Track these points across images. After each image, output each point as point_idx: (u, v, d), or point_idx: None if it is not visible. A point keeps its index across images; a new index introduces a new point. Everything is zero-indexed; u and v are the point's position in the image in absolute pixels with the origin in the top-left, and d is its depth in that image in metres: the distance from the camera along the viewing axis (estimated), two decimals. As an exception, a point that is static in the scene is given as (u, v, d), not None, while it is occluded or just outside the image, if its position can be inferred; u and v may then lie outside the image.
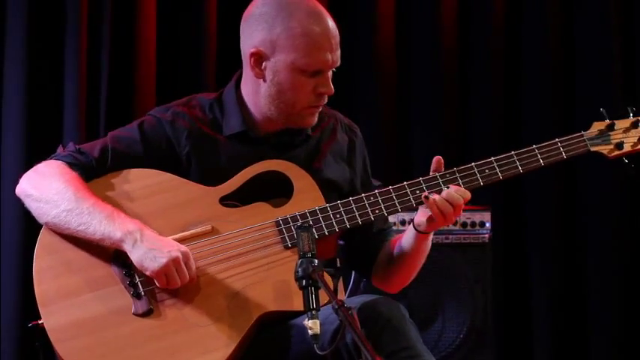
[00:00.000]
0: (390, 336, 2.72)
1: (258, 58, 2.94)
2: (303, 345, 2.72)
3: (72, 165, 2.96)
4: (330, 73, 2.95)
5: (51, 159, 3.00)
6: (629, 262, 4.93)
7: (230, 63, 4.78)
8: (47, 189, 2.90)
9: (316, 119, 3.02)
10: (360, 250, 3.09)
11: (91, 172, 2.97)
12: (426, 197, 2.88)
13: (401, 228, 4.29)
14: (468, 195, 2.91)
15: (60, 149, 3.04)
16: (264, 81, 2.95)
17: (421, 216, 2.93)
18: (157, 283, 2.83)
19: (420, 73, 5.10)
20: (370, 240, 3.09)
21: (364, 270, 3.12)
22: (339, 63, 2.96)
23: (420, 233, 2.96)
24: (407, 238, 3.00)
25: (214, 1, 4.83)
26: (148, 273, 2.82)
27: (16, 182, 3.01)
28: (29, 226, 4.07)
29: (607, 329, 4.89)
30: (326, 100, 2.99)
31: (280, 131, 3.02)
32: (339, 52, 2.95)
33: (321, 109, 3.04)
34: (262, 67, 2.94)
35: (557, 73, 5.04)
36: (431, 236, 3.00)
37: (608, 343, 4.88)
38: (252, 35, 2.95)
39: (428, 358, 2.75)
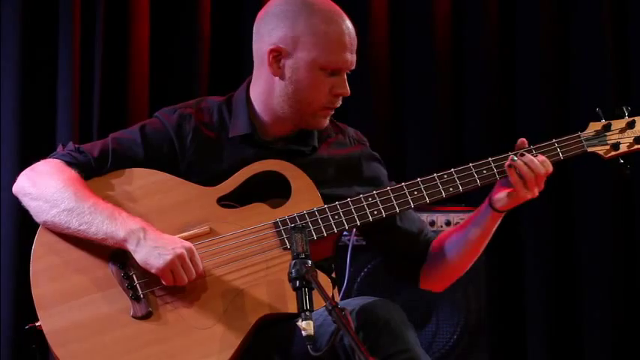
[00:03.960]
0: (388, 338, 2.71)
1: (278, 55, 2.93)
2: (302, 345, 2.67)
3: (71, 164, 2.94)
4: (345, 75, 2.96)
5: (49, 157, 2.98)
6: (625, 263, 4.92)
7: (224, 66, 4.86)
8: (46, 187, 2.88)
9: (327, 122, 3.01)
10: (405, 256, 3.06)
11: (90, 171, 2.95)
12: (510, 165, 2.87)
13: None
14: (549, 168, 2.91)
15: (59, 148, 3.02)
16: (282, 79, 2.95)
17: (499, 191, 2.92)
18: (163, 282, 2.81)
19: (414, 74, 5.09)
20: (415, 242, 3.06)
21: (411, 274, 3.07)
22: (354, 66, 2.97)
23: (496, 212, 2.94)
24: (478, 219, 2.97)
25: (208, 3, 4.83)
26: (153, 271, 2.80)
27: (11, 184, 2.99)
28: (25, 226, 4.08)
29: (603, 331, 4.88)
30: (340, 103, 2.98)
31: (288, 137, 3.01)
32: (355, 56, 2.96)
33: (329, 125, 3.05)
34: (281, 64, 2.94)
35: (551, 75, 5.03)
36: (501, 217, 2.97)
37: (604, 345, 4.88)
38: (270, 33, 2.94)
39: (425, 361, 2.75)
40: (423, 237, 3.08)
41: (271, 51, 2.93)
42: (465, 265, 3.07)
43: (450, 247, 3.03)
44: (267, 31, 2.95)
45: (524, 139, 2.96)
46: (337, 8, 2.98)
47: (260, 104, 3.00)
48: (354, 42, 2.96)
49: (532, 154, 2.91)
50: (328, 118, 3.02)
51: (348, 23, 2.96)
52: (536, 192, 2.92)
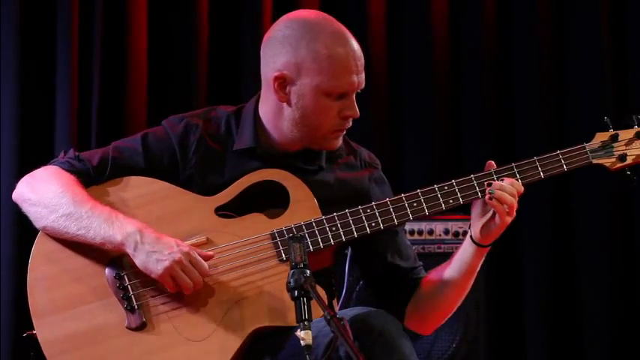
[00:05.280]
0: (382, 349, 2.70)
1: (283, 81, 2.89)
2: (298, 356, 2.65)
3: (69, 171, 2.93)
4: (354, 96, 2.92)
5: (49, 164, 2.98)
6: (624, 272, 4.93)
7: (222, 74, 4.86)
8: (45, 193, 2.88)
9: (340, 142, 2.98)
10: (393, 292, 3.02)
11: (88, 179, 2.94)
12: (490, 198, 2.82)
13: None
14: (520, 188, 2.85)
15: (61, 155, 3.01)
16: (289, 105, 2.91)
17: (478, 227, 2.87)
18: (167, 289, 2.81)
19: (412, 85, 5.10)
20: (403, 279, 3.01)
21: (397, 312, 2.98)
22: (364, 85, 2.92)
23: (480, 247, 2.89)
24: (461, 258, 2.91)
25: (206, 11, 4.84)
26: (153, 276, 2.79)
27: (9, 192, 3.00)
28: (23, 234, 4.11)
29: (602, 340, 4.89)
30: (351, 124, 2.95)
31: (294, 154, 2.97)
32: (363, 75, 2.92)
33: (342, 144, 3.00)
34: (286, 90, 2.90)
35: (550, 76, 5.03)
36: (485, 252, 2.93)
37: (603, 354, 4.89)
38: (274, 59, 2.90)
39: (421, 372, 2.73)
40: (412, 275, 3.02)
41: (276, 78, 2.89)
42: (450, 307, 3.00)
43: (435, 288, 2.96)
44: (271, 57, 2.92)
45: (491, 162, 2.91)
46: (341, 29, 2.92)
47: (269, 123, 2.97)
48: (360, 62, 2.91)
49: (499, 179, 2.86)
50: (340, 139, 2.97)
51: (353, 44, 2.90)
52: (514, 213, 2.86)
